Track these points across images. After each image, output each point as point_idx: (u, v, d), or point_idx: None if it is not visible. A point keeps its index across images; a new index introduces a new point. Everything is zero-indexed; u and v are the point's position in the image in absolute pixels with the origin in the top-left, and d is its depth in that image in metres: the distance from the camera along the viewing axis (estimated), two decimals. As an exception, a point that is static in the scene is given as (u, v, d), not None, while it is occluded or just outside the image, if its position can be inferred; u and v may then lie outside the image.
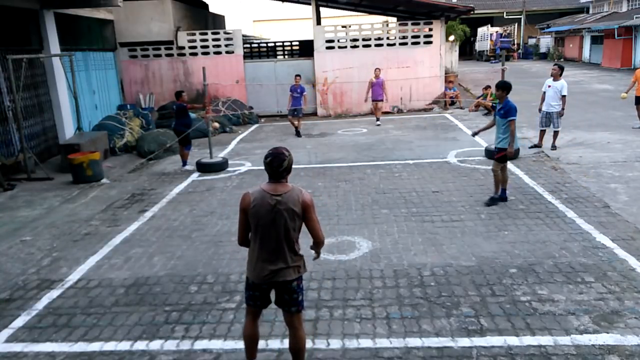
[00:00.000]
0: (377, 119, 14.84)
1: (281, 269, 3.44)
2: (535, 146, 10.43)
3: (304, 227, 3.50)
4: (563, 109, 10.05)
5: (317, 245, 3.57)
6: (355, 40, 17.01)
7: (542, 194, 7.59)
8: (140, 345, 4.23)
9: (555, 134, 10.27)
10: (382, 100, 14.84)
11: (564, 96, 9.98)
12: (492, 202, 7.23)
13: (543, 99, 10.31)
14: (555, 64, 10.37)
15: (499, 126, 7.24)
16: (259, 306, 3.63)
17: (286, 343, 4.03)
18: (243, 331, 3.73)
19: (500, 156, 7.19)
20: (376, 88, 14.58)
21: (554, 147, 10.19)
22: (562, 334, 4.07)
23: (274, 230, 3.38)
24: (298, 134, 13.61)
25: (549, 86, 10.15)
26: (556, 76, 10.06)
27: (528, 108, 12.96)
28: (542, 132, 10.40)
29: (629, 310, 4.35)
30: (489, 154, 9.82)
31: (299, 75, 14.02)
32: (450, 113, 16.10)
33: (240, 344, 4.10)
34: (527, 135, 10.96)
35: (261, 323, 4.34)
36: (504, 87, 7.18)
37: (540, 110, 10.38)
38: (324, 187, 8.54)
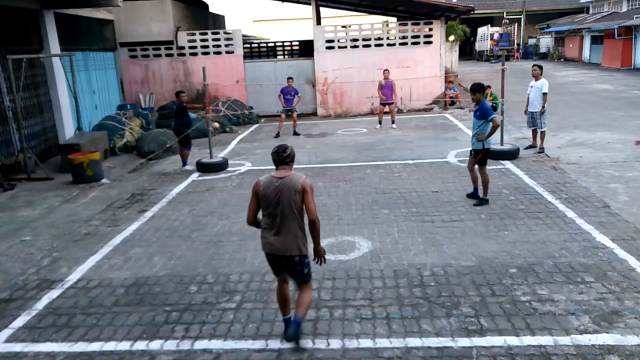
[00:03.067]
0: (380, 122, 14.24)
1: (284, 242, 3.94)
2: (530, 147, 10.43)
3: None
4: (543, 106, 10.01)
5: (313, 225, 3.94)
6: (355, 40, 17.01)
7: (542, 194, 7.58)
8: (140, 345, 4.23)
9: (542, 134, 10.21)
10: (392, 103, 14.16)
11: (544, 94, 9.98)
12: (480, 202, 7.26)
13: (529, 101, 10.38)
14: (534, 65, 10.41)
15: (474, 127, 7.29)
16: (279, 274, 4.15)
17: (285, 343, 4.12)
18: (276, 294, 4.25)
19: (481, 158, 7.25)
20: (385, 90, 13.95)
21: (541, 150, 10.11)
22: (562, 334, 4.07)
23: (279, 208, 3.93)
24: (295, 133, 13.63)
25: (532, 87, 10.21)
26: (537, 76, 10.08)
27: (528, 108, 12.95)
28: (534, 132, 10.41)
29: (629, 310, 4.35)
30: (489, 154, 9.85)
31: (291, 78, 13.78)
32: (450, 113, 16.10)
33: (240, 344, 4.15)
34: (528, 135, 10.96)
35: (261, 323, 4.45)
36: (481, 89, 7.28)
37: (525, 112, 10.44)
38: (324, 187, 8.54)
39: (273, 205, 3.95)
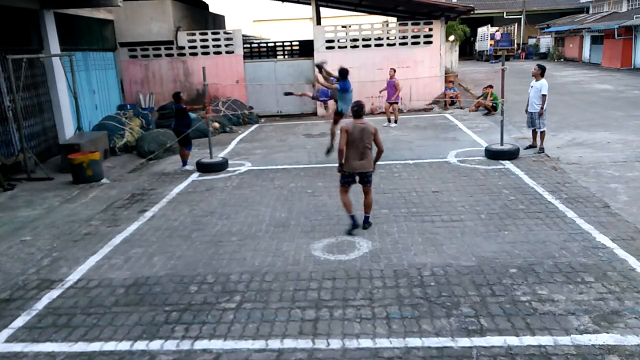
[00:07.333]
0: (388, 120, 14.44)
1: (366, 163, 6.29)
2: (530, 147, 10.42)
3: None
4: (542, 107, 9.97)
5: (380, 152, 6.42)
6: (355, 40, 17.01)
7: (542, 194, 7.58)
8: (140, 345, 4.23)
9: (541, 134, 10.19)
10: (393, 103, 14.36)
11: (543, 95, 9.94)
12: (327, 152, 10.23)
13: (529, 101, 10.34)
14: (536, 65, 10.38)
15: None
16: (349, 185, 6.47)
17: (285, 343, 4.14)
18: (342, 199, 6.52)
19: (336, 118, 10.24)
20: (388, 89, 14.16)
21: (541, 150, 10.09)
22: (562, 334, 4.07)
23: (360, 142, 6.18)
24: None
25: (532, 86, 10.19)
26: (537, 76, 10.05)
27: (528, 108, 12.94)
28: (534, 132, 10.40)
29: (629, 310, 4.35)
30: (489, 153, 9.86)
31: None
32: (450, 113, 16.10)
33: (240, 344, 4.17)
34: (528, 135, 10.96)
35: (261, 323, 4.46)
36: (341, 72, 9.99)
37: (526, 111, 10.43)
38: (324, 187, 8.54)
39: (356, 141, 6.17)
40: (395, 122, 14.45)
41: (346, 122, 6.28)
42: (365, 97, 15.86)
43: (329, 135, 10.68)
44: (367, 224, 6.51)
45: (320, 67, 10.78)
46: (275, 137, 13.79)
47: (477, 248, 5.78)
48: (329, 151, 10.44)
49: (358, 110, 6.28)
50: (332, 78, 10.63)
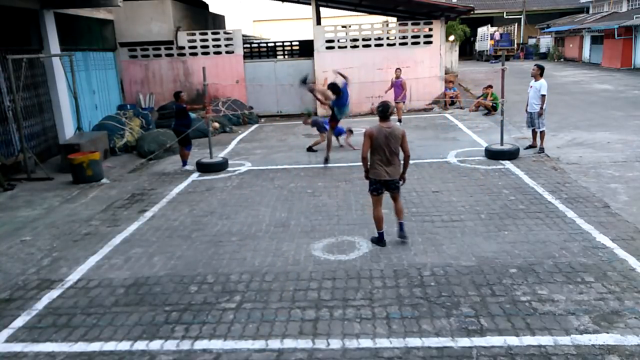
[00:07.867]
0: (399, 120, 14.49)
1: (394, 170, 5.76)
2: (530, 147, 10.42)
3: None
4: (542, 108, 9.96)
5: (408, 159, 5.84)
6: (355, 40, 17.01)
7: (542, 194, 7.58)
8: (140, 345, 4.23)
9: (541, 134, 10.19)
10: (401, 102, 14.38)
11: (543, 95, 9.94)
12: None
13: (528, 101, 10.35)
14: (535, 65, 10.38)
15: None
16: (380, 193, 5.87)
17: (285, 343, 4.15)
18: (374, 214, 5.94)
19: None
20: (395, 88, 14.22)
21: (541, 150, 10.10)
22: (562, 334, 4.07)
23: (387, 148, 5.63)
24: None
25: (531, 86, 10.19)
26: (536, 76, 10.04)
27: (528, 108, 12.93)
28: (533, 132, 10.41)
29: (629, 310, 4.35)
30: (489, 153, 9.86)
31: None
32: (450, 113, 16.10)
33: (240, 344, 4.17)
34: (528, 135, 10.96)
35: (261, 323, 4.46)
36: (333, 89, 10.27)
37: (526, 111, 10.43)
38: (324, 187, 8.54)
39: (382, 146, 5.62)
40: (399, 121, 14.43)
41: (371, 125, 5.70)
42: (365, 97, 15.97)
43: (326, 146, 10.30)
44: (402, 231, 5.93)
45: (304, 82, 11.48)
46: (275, 137, 13.79)
47: (477, 248, 5.78)
48: (326, 160, 10.00)
49: (384, 111, 5.62)
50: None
